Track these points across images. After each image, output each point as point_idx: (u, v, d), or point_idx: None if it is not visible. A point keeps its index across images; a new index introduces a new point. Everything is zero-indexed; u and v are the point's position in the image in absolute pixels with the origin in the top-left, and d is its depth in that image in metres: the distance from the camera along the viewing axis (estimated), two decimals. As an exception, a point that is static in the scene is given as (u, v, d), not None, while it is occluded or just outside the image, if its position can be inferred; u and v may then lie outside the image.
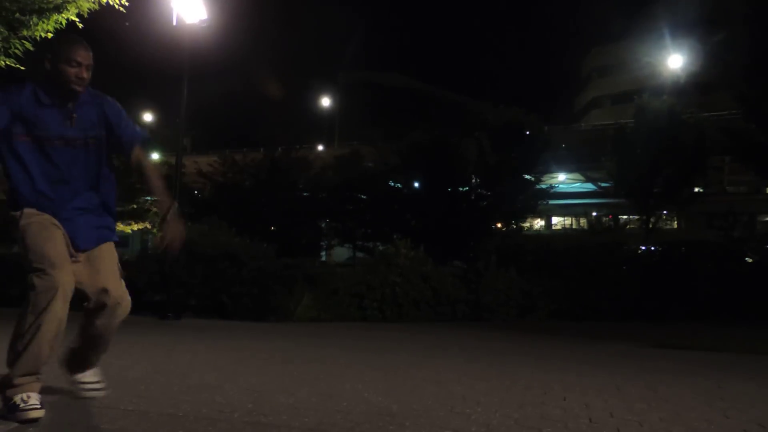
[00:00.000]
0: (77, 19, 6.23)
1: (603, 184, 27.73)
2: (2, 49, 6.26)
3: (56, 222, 2.59)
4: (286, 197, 24.07)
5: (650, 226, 23.64)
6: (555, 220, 45.56)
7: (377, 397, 3.12)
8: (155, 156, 40.64)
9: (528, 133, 23.15)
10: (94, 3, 6.33)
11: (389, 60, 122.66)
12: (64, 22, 6.22)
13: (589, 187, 37.97)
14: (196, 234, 10.72)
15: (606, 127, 35.51)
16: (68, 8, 6.12)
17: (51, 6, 6.04)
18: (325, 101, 60.47)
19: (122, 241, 21.13)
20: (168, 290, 9.55)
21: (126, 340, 5.04)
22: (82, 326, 2.72)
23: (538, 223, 41.72)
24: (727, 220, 23.09)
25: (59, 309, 2.42)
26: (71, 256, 2.58)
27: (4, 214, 2.65)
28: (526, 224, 26.97)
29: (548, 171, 26.27)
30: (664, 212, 28.99)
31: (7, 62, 6.46)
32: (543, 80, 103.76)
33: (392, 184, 23.84)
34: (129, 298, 2.71)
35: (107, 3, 6.39)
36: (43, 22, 6.13)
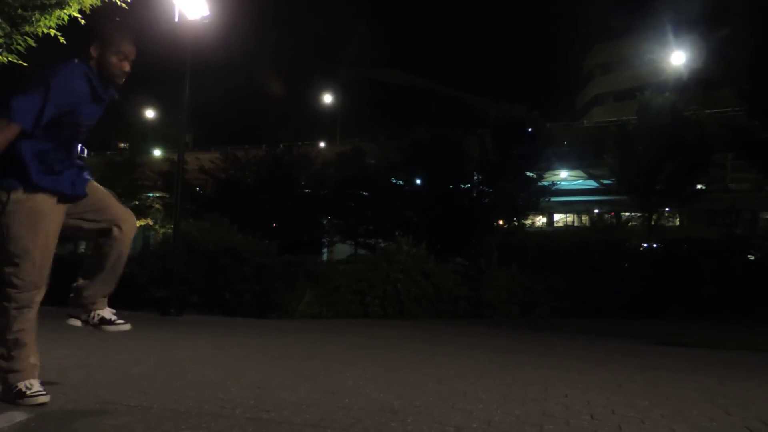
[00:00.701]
0: (79, 15, 6.21)
1: (605, 181, 27.66)
2: (4, 45, 6.25)
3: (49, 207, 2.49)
4: (287, 194, 24.08)
5: (652, 223, 23.63)
6: (557, 217, 45.50)
7: (379, 394, 3.13)
8: (158, 152, 40.58)
9: (530, 130, 23.12)
10: (96, -2, 6.30)
11: (391, 57, 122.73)
12: (66, 18, 6.20)
13: (591, 184, 37.89)
14: (198, 230, 10.73)
15: (608, 124, 35.50)
16: (70, 4, 6.09)
17: (53, 2, 6.02)
18: (327, 98, 60.53)
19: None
20: (170, 287, 9.55)
21: (128, 336, 5.03)
22: (96, 259, 2.68)
23: (540, 221, 41.67)
24: (730, 218, 23.12)
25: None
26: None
27: None
28: (528, 221, 26.93)
29: (550, 168, 26.28)
30: (666, 209, 28.96)
31: (10, 58, 6.45)
32: (545, 77, 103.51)
33: (394, 181, 23.82)
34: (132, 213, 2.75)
35: (109, -2, 6.37)
36: (45, 18, 6.11)
